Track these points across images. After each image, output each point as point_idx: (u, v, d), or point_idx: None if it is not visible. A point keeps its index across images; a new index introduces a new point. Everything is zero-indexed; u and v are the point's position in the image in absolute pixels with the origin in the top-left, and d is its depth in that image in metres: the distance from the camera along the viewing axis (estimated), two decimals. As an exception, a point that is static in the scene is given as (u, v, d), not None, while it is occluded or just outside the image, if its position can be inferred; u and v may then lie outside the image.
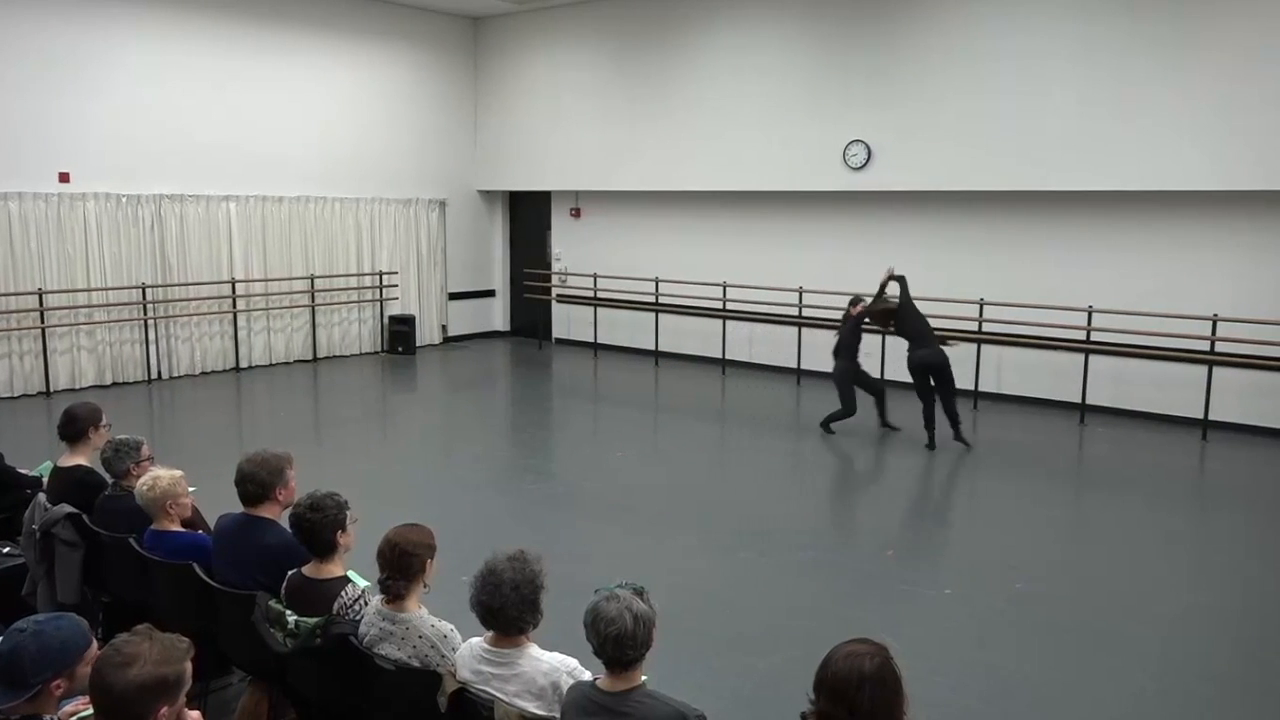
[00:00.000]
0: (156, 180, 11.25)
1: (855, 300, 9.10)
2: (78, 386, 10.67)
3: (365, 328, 13.63)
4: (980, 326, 10.40)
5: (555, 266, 14.50)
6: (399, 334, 13.57)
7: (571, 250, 14.33)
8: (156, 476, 3.90)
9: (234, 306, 12.08)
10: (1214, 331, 9.14)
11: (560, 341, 14.56)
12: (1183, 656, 4.74)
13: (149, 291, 11.28)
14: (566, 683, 2.75)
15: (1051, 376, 10.22)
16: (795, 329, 11.78)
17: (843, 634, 2.43)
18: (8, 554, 4.57)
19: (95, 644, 2.49)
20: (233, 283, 11.99)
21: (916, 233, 11.04)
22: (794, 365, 11.83)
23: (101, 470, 4.41)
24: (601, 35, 13.21)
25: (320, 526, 3.38)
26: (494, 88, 14.54)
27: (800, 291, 11.63)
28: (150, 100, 11.12)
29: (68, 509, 4.18)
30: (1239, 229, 9.19)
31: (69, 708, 2.53)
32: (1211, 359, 9.22)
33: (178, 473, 3.98)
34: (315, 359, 12.91)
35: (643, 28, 12.75)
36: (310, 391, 11.42)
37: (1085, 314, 9.77)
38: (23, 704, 2.33)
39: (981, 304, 10.35)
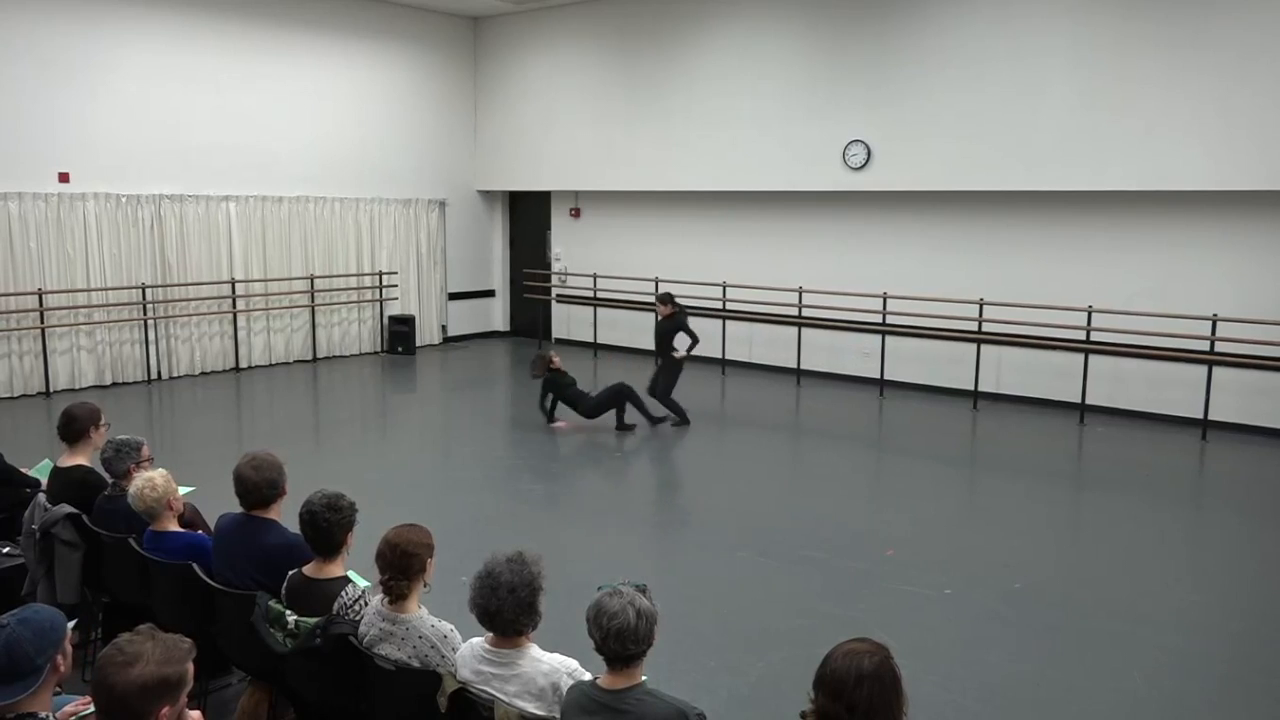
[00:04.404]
0: (156, 180, 11.26)
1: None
2: (78, 386, 10.68)
3: (365, 328, 13.63)
4: (980, 326, 10.40)
5: (555, 266, 14.50)
6: (399, 334, 13.57)
7: (571, 250, 14.33)
8: (151, 480, 3.88)
9: (234, 307, 12.08)
10: (1214, 331, 9.14)
11: (560, 341, 14.54)
12: (1181, 656, 4.74)
13: (149, 291, 11.28)
14: (566, 683, 2.75)
15: (1051, 376, 10.22)
16: (795, 329, 11.79)
17: (842, 634, 2.44)
18: (8, 554, 4.57)
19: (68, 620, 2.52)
20: (232, 283, 11.99)
21: (916, 233, 11.05)
22: (793, 365, 11.83)
23: (101, 470, 4.42)
24: (601, 35, 13.21)
25: (336, 527, 3.41)
26: (494, 88, 14.54)
27: (800, 291, 11.63)
28: (150, 100, 11.12)
29: (67, 509, 4.19)
30: (1239, 229, 9.19)
31: (69, 708, 2.53)
32: (1211, 359, 9.22)
33: (163, 470, 3.98)
34: (315, 359, 12.91)
35: (643, 27, 12.75)
36: (310, 392, 11.42)
37: (1085, 314, 9.77)
38: (27, 699, 2.34)
39: (981, 304, 10.35)
